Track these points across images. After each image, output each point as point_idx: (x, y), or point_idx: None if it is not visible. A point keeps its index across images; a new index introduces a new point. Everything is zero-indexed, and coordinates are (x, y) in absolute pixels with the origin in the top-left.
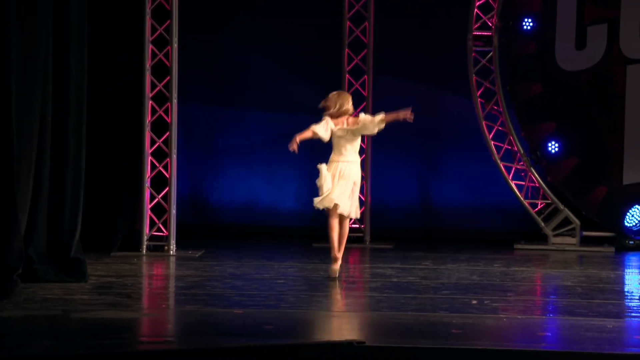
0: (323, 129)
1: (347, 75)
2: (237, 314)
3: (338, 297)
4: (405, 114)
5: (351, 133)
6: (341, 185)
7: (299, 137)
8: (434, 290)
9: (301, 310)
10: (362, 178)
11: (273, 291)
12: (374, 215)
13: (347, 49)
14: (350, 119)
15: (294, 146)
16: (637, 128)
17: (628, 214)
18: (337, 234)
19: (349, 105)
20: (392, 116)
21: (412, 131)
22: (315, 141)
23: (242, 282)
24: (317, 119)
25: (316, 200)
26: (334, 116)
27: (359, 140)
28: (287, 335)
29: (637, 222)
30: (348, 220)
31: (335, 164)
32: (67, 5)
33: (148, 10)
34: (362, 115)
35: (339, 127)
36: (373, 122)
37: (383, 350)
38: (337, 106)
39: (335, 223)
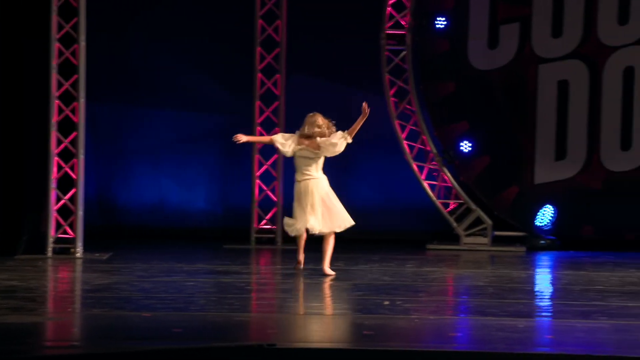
0: (282, 141)
1: (259, 74)
2: (146, 317)
3: (249, 299)
4: (363, 117)
5: (313, 154)
6: (304, 209)
7: (253, 139)
8: (346, 291)
9: (211, 313)
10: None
11: (182, 294)
12: (285, 216)
13: (259, 48)
14: (314, 142)
15: (241, 138)
16: (548, 128)
17: (539, 213)
18: (304, 240)
19: (316, 128)
20: (356, 126)
21: None
22: (228, 143)
23: (150, 285)
24: (229, 119)
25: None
26: (304, 136)
27: (321, 160)
28: (197, 339)
29: (548, 221)
30: (332, 235)
31: (296, 184)
32: None
33: (54, 8)
34: (331, 137)
35: (301, 147)
36: (334, 145)
37: (294, 352)
38: (305, 128)
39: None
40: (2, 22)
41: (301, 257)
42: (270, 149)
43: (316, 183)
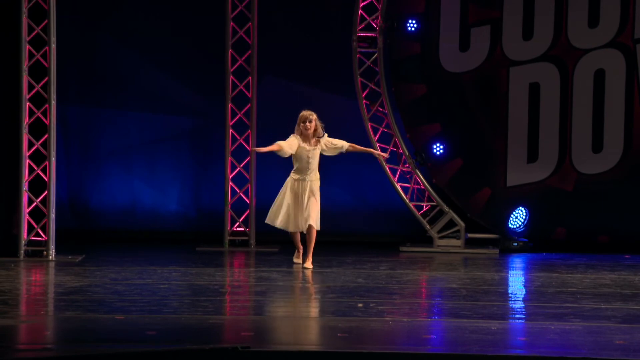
0: (284, 144)
1: (231, 77)
2: (119, 320)
3: (222, 301)
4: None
5: (312, 152)
6: (299, 207)
7: (265, 149)
8: (320, 293)
9: (185, 316)
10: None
11: (156, 296)
12: (259, 219)
13: (230, 50)
14: (314, 140)
15: (257, 150)
16: (520, 130)
17: (512, 215)
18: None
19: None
20: (359, 149)
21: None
22: (201, 145)
23: (123, 287)
24: (201, 121)
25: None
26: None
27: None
28: (171, 341)
29: (520, 223)
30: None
31: (294, 181)
32: None
33: (25, 10)
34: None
35: (303, 145)
36: (337, 148)
37: (268, 354)
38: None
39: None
40: None
41: (300, 246)
42: (243, 152)
43: (314, 185)
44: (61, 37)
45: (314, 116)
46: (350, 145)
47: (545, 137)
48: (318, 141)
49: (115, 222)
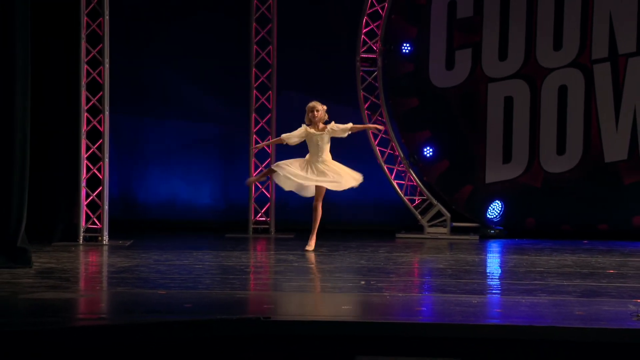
0: (288, 135)
1: (254, 91)
2: (161, 294)
3: (247, 279)
4: (371, 128)
5: (318, 137)
6: (305, 174)
7: (266, 143)
8: (329, 272)
9: (215, 291)
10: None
11: (191, 275)
12: (278, 210)
13: (254, 69)
14: (318, 127)
15: (257, 146)
16: (496, 136)
17: (490, 207)
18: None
19: (315, 113)
20: (360, 128)
21: None
22: (229, 149)
23: (165, 267)
24: (230, 128)
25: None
26: (309, 124)
27: (328, 144)
28: (204, 312)
29: (497, 214)
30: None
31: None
32: (13, 31)
33: (83, 36)
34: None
35: (308, 133)
36: (344, 130)
37: (286, 324)
38: (308, 116)
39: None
40: (43, 47)
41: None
42: (263, 154)
43: (328, 165)
44: (115, 58)
45: (320, 106)
46: (353, 126)
47: (517, 141)
48: (325, 126)
49: (157, 213)
